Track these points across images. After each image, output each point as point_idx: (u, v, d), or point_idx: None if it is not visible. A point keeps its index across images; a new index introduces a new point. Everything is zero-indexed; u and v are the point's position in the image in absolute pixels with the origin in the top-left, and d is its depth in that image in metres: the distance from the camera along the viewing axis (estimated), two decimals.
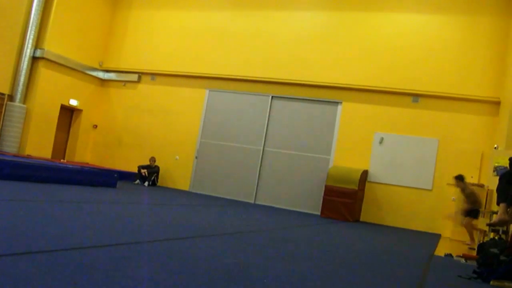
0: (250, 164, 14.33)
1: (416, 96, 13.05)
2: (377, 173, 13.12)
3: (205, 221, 7.31)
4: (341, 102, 13.73)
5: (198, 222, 7.08)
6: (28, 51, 14.22)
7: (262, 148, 14.26)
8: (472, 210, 9.59)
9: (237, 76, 14.75)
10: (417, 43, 13.26)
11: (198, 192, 14.62)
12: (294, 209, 13.48)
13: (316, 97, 13.98)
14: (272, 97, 14.38)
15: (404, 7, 13.69)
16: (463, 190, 9.89)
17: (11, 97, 14.10)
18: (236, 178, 14.40)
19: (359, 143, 13.37)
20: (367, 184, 13.09)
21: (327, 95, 13.87)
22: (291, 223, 9.43)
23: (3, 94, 13.87)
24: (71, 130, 16.30)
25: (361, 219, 12.98)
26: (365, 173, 12.94)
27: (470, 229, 9.73)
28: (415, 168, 12.79)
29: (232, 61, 14.96)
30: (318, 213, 12.91)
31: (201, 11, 15.90)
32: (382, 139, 13.15)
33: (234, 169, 14.46)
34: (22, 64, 14.19)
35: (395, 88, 13.15)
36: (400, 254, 7.01)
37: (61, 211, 5.82)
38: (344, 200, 12.26)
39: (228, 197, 14.13)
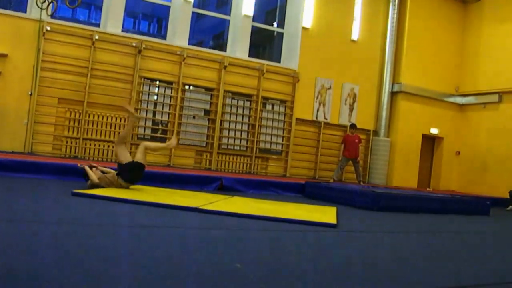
0: None
1: None
2: None
3: None
4: None
5: None
6: (387, 87, 15.03)
7: None
8: None
9: None
10: None
11: None
12: None
13: None
14: None
15: None
16: None
17: (375, 132, 15.06)
18: None
19: None
20: None
21: None
22: None
23: (368, 131, 14.93)
24: (434, 159, 16.29)
25: None
26: None
27: None
28: None
29: None
30: None
31: None
32: None
33: None
34: (383, 100, 15.07)
35: None
36: None
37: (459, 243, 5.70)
38: None
39: None
